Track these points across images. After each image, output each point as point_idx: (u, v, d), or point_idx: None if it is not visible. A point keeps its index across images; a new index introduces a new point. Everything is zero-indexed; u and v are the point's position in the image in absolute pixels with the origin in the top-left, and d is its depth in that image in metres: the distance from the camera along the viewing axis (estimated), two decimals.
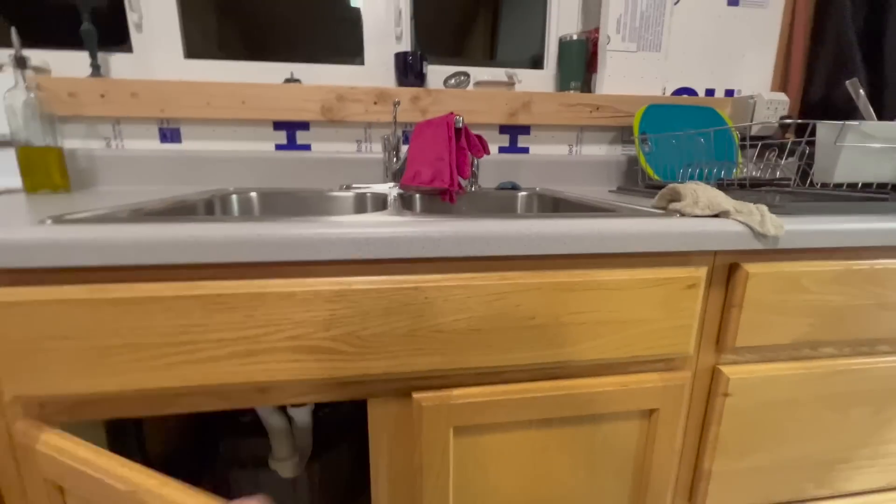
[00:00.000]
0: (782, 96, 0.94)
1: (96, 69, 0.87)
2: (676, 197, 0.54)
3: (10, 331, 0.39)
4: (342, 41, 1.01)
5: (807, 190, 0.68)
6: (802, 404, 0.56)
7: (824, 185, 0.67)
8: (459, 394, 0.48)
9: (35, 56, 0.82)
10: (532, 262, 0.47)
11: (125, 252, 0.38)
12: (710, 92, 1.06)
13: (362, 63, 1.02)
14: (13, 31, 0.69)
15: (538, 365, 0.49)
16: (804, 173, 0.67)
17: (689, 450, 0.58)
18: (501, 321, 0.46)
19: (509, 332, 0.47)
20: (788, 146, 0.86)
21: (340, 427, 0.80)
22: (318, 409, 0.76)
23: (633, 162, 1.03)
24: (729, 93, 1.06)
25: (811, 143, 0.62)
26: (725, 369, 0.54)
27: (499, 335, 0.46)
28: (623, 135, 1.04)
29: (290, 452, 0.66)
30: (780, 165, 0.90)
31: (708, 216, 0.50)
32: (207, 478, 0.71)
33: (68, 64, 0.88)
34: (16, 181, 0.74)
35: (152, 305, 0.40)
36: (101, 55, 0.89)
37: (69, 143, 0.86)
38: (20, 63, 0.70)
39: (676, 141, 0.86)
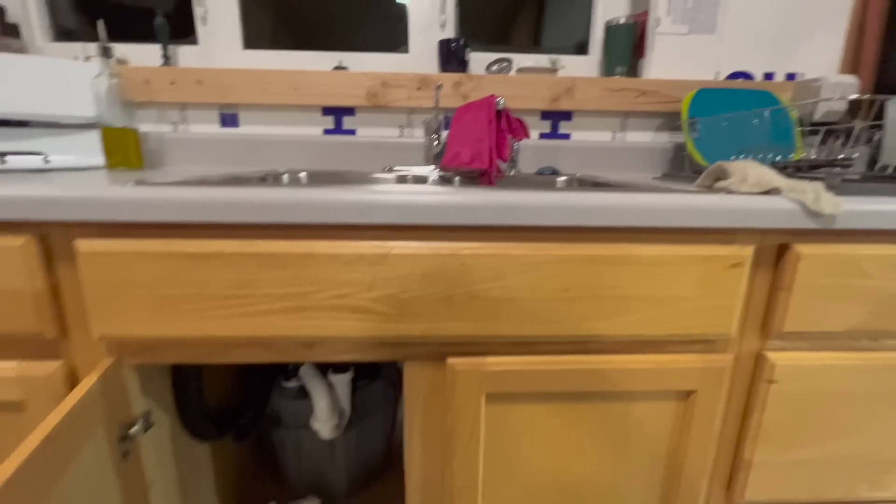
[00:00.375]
0: (851, 79, 0.88)
1: (166, 60, 0.96)
2: (723, 175, 0.52)
3: (98, 277, 0.44)
4: (388, 30, 1.05)
5: (874, 174, 0.63)
6: (857, 398, 0.53)
7: None
8: (492, 361, 0.50)
9: (115, 49, 0.91)
10: (568, 234, 0.47)
11: (196, 210, 0.43)
12: (768, 76, 1.00)
13: (407, 51, 1.05)
14: (100, 23, 0.77)
15: (571, 337, 0.49)
16: (872, 161, 0.62)
17: (729, 437, 0.56)
18: (535, 291, 0.47)
19: (543, 302, 0.47)
20: (855, 132, 0.80)
21: (374, 401, 0.83)
22: (356, 381, 0.80)
23: (679, 149, 0.99)
24: (790, 77, 1.00)
25: (880, 127, 0.58)
26: (771, 355, 0.52)
27: (532, 305, 0.47)
28: (670, 121, 1.01)
29: (331, 414, 0.70)
30: (844, 152, 0.83)
31: (756, 194, 0.48)
32: (254, 434, 0.77)
33: (143, 56, 0.97)
34: (99, 159, 0.83)
35: (216, 260, 0.44)
36: (170, 47, 0.97)
37: (143, 127, 0.95)
38: (105, 53, 0.78)
39: (728, 123, 0.83)
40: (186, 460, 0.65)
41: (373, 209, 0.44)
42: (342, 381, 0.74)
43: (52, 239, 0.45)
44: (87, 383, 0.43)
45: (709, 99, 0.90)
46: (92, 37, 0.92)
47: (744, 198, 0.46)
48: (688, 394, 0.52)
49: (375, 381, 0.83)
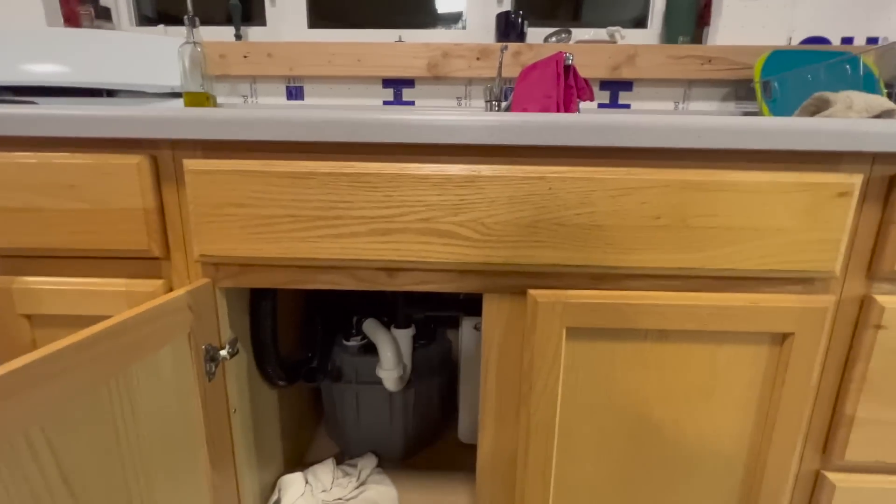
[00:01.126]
0: None
1: (238, 39, 1.01)
2: (823, 105, 0.49)
3: (202, 196, 0.47)
4: (446, 7, 1.07)
5: None
6: None
7: None
8: (575, 294, 0.49)
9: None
10: (661, 158, 0.46)
11: (295, 129, 0.45)
12: (846, 41, 0.95)
13: (464, 28, 1.06)
14: None
15: (659, 270, 0.47)
16: None
17: (828, 390, 0.52)
18: (624, 218, 0.46)
19: (631, 231, 0.46)
20: None
21: (433, 363, 0.83)
22: (415, 341, 0.80)
23: None
24: (872, 41, 0.94)
25: None
26: (880, 298, 0.48)
27: (620, 233, 0.46)
28: (738, 90, 0.97)
29: (396, 364, 0.71)
30: None
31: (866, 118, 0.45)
32: (321, 379, 0.78)
33: (216, 37, 1.03)
34: None
35: (310, 180, 0.46)
36: (241, 28, 1.03)
37: (217, 100, 1.01)
38: (192, 22, 0.83)
39: (808, 83, 0.79)
40: (258, 402, 0.67)
41: (464, 130, 0.44)
42: (405, 336, 0.75)
43: (161, 161, 0.48)
44: (177, 292, 0.45)
45: (783, 62, 0.87)
46: (170, 23, 0.99)
47: (853, 120, 0.44)
48: (783, 337, 0.49)
49: (434, 344, 0.83)
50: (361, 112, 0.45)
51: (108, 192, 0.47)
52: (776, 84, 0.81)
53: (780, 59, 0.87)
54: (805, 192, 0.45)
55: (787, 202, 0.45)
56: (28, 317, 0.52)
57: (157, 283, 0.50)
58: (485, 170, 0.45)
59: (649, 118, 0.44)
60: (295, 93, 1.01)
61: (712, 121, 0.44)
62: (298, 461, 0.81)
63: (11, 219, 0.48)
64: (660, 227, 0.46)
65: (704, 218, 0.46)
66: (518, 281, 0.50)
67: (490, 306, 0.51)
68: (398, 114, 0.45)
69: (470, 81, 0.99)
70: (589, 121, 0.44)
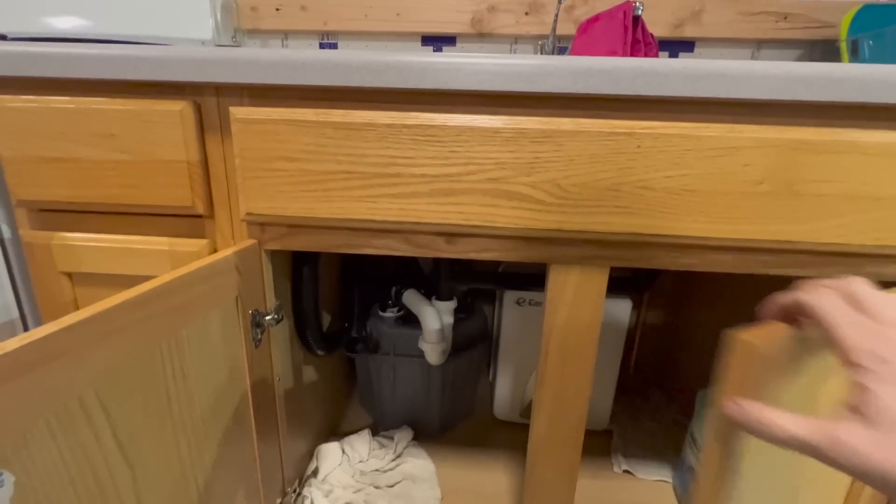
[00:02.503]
0: None
1: None
2: None
3: (250, 147, 0.43)
4: None
5: None
6: None
7: None
8: None
9: None
10: (771, 114, 0.40)
11: (352, 72, 0.40)
12: None
13: None
14: None
15: (754, 242, 0.42)
16: None
17: None
18: (722, 183, 0.40)
19: (729, 197, 0.41)
20: None
21: (472, 337, 0.80)
22: (455, 314, 0.77)
23: None
24: None
25: None
26: None
27: (715, 200, 0.41)
28: (814, 52, 0.88)
29: (441, 337, 0.68)
30: None
31: None
32: (361, 349, 0.76)
33: None
34: None
35: (368, 132, 0.41)
36: None
37: None
38: None
39: None
40: (298, 371, 0.65)
41: (546, 76, 0.39)
42: (447, 309, 0.71)
43: (205, 108, 0.44)
44: (224, 252, 0.42)
45: (875, 18, 0.77)
46: None
47: None
48: None
49: (472, 318, 0.80)
50: (428, 55, 0.40)
51: (150, 143, 0.44)
52: (871, 42, 0.72)
53: (871, 15, 0.77)
54: None
55: None
56: (69, 275, 0.49)
57: (202, 243, 0.47)
58: (565, 123, 0.40)
59: (762, 65, 0.38)
60: (329, 49, 0.95)
61: (836, 69, 0.37)
62: (333, 431, 0.80)
63: (48, 169, 0.45)
64: (761, 193, 0.40)
65: (815, 184, 0.40)
66: (589, 251, 0.45)
67: (556, 278, 0.47)
68: (470, 58, 0.39)
69: (516, 40, 0.91)
70: (692, 67, 0.38)
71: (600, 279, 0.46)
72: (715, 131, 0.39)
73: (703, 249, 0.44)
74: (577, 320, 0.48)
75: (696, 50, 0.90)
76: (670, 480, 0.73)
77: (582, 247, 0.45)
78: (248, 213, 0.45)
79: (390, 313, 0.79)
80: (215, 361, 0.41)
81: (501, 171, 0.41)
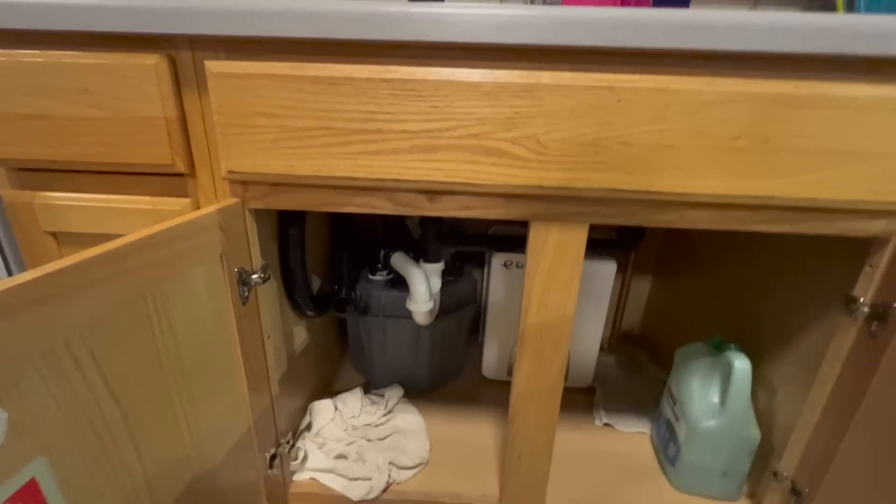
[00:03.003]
0: None
1: None
2: None
3: (228, 103, 0.42)
4: None
5: None
6: None
7: None
8: None
9: None
10: (751, 66, 0.40)
11: (329, 24, 0.39)
12: None
13: None
14: None
15: (729, 198, 0.43)
16: None
17: None
18: (699, 138, 0.41)
19: (706, 153, 0.41)
20: None
21: (460, 299, 0.82)
22: (443, 277, 0.78)
23: None
24: None
25: None
26: None
27: (693, 156, 0.41)
28: (812, 6, 0.85)
29: (428, 298, 0.69)
30: None
31: None
32: (350, 310, 0.77)
33: None
34: None
35: (346, 87, 0.41)
36: None
37: None
38: None
39: None
40: (288, 331, 0.66)
41: (523, 27, 0.38)
42: (435, 271, 0.73)
43: (180, 63, 0.43)
44: (207, 209, 0.42)
45: None
46: None
47: None
48: None
49: (460, 280, 0.82)
50: (405, 4, 0.39)
51: (126, 99, 0.43)
52: None
53: None
54: None
55: (892, 121, 0.39)
56: (53, 234, 0.50)
57: (184, 202, 0.47)
58: (545, 77, 0.40)
59: (741, 15, 0.37)
60: None
61: (816, 20, 0.37)
62: (325, 391, 0.83)
63: (24, 126, 0.44)
64: (738, 149, 0.41)
65: (792, 139, 0.40)
66: (569, 208, 0.46)
67: (537, 236, 0.47)
68: (448, 7, 0.38)
69: None
70: (671, 18, 0.37)
71: (580, 236, 0.47)
72: (694, 85, 0.39)
73: (680, 206, 0.45)
74: (556, 277, 0.49)
75: (691, 5, 0.88)
76: (648, 432, 0.77)
77: (562, 204, 0.46)
78: (230, 171, 0.45)
79: (379, 276, 0.80)
80: (202, 317, 0.42)
81: (482, 127, 0.41)
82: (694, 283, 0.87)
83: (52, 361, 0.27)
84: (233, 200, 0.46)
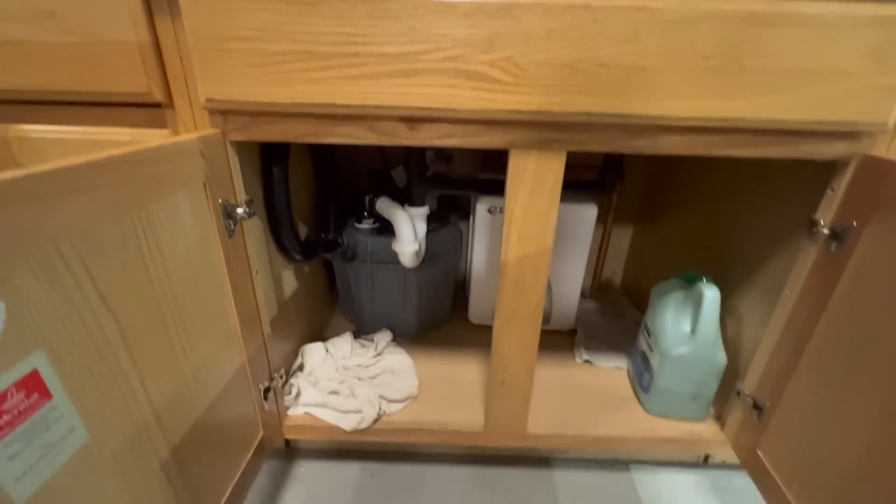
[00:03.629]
0: None
1: None
2: None
3: (199, 27, 0.41)
4: None
5: None
6: None
7: None
8: None
9: None
10: None
11: None
12: None
13: None
14: None
15: (702, 121, 0.44)
16: None
17: None
18: (672, 59, 0.42)
19: (678, 73, 0.42)
20: None
21: (445, 245, 0.83)
22: (428, 224, 0.79)
23: None
24: None
25: None
26: None
27: (665, 77, 0.42)
28: None
29: (413, 239, 0.71)
30: None
31: None
32: (338, 254, 0.79)
33: None
34: None
35: (323, 7, 0.40)
36: None
37: None
38: None
39: None
40: (278, 275, 0.68)
41: None
42: (420, 214, 0.74)
43: None
44: (187, 136, 0.42)
45: None
46: None
47: None
48: None
49: (446, 228, 0.83)
50: None
51: (95, 21, 0.42)
52: None
53: None
54: (879, 28, 0.40)
55: (855, 41, 0.41)
56: None
57: (163, 133, 0.47)
58: None
59: None
60: None
61: None
62: (317, 338, 0.85)
63: None
64: (710, 69, 0.42)
65: (760, 59, 0.41)
66: (547, 135, 0.47)
67: (516, 164, 0.49)
68: None
69: None
70: None
71: (558, 165, 0.49)
72: (668, 3, 0.40)
73: (655, 130, 0.46)
74: (535, 207, 0.51)
75: None
76: (625, 367, 0.82)
77: (540, 130, 0.47)
78: (208, 100, 0.44)
79: (366, 224, 0.81)
80: (190, 244, 0.43)
81: (460, 49, 0.42)
82: (672, 228, 0.90)
83: (43, 262, 0.28)
84: (213, 131, 0.46)
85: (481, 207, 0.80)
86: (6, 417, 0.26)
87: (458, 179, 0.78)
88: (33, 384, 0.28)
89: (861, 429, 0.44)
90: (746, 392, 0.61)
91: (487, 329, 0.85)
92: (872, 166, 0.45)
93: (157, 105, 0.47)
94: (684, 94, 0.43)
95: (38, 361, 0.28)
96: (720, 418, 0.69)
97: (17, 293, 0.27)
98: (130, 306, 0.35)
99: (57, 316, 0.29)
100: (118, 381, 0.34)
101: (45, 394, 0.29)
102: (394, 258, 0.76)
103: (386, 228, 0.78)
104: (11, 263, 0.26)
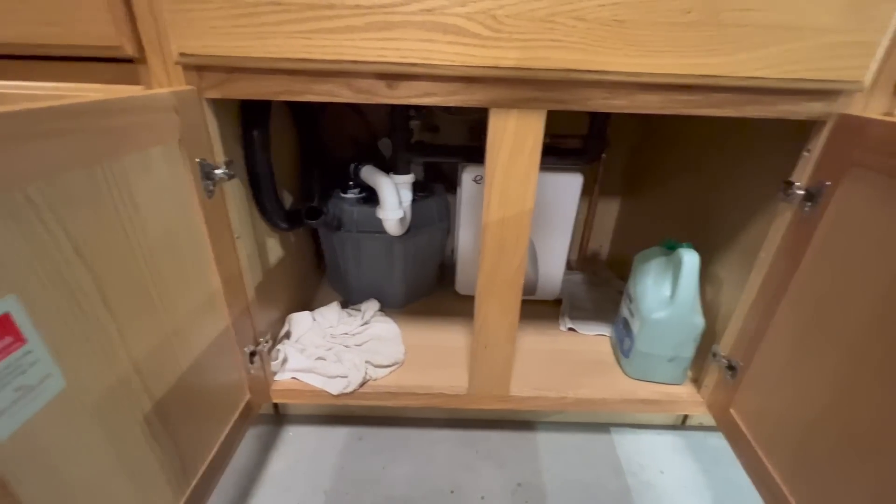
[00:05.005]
0: None
1: None
2: None
3: None
4: None
5: None
6: None
7: None
8: None
9: None
10: None
11: None
12: None
13: None
14: None
15: (681, 78, 0.44)
16: None
17: None
18: (651, 13, 0.41)
19: (658, 28, 0.42)
20: None
21: (431, 215, 0.83)
22: (414, 193, 0.79)
23: None
24: None
25: None
26: None
27: (644, 32, 0.42)
28: None
29: (397, 205, 0.71)
30: None
31: None
32: (321, 222, 0.79)
33: None
34: None
35: None
36: None
37: None
38: None
39: None
40: (262, 242, 0.68)
41: None
42: (405, 182, 0.74)
43: None
44: (160, 90, 0.42)
45: None
46: None
47: None
48: None
49: (432, 198, 0.83)
50: None
51: None
52: None
53: None
54: None
55: None
56: None
57: (137, 89, 0.46)
58: None
59: None
60: None
61: None
62: (304, 308, 0.86)
63: None
64: (689, 24, 0.42)
65: (739, 13, 0.41)
66: (527, 93, 0.47)
67: (496, 124, 0.49)
68: None
69: None
70: None
71: (537, 125, 0.49)
72: None
73: (632, 88, 0.46)
74: (515, 167, 0.51)
75: None
76: (608, 335, 0.83)
77: (520, 88, 0.46)
78: (182, 54, 0.44)
79: (351, 194, 0.81)
80: (166, 200, 0.43)
81: (436, 1, 0.41)
82: (655, 199, 0.91)
83: (12, 207, 0.28)
84: (188, 87, 0.45)
85: (467, 177, 0.80)
86: None
87: (443, 147, 0.77)
88: (6, 328, 0.28)
89: (822, 382, 0.45)
90: (722, 353, 0.63)
91: (473, 299, 0.86)
92: (847, 125, 0.46)
93: (129, 60, 0.46)
94: (663, 49, 0.43)
95: (10, 306, 0.28)
96: (697, 381, 0.71)
97: None
98: (105, 257, 0.35)
99: (28, 263, 0.29)
100: (95, 331, 0.35)
101: (19, 338, 0.29)
102: (380, 227, 0.76)
103: (371, 198, 0.78)
104: None
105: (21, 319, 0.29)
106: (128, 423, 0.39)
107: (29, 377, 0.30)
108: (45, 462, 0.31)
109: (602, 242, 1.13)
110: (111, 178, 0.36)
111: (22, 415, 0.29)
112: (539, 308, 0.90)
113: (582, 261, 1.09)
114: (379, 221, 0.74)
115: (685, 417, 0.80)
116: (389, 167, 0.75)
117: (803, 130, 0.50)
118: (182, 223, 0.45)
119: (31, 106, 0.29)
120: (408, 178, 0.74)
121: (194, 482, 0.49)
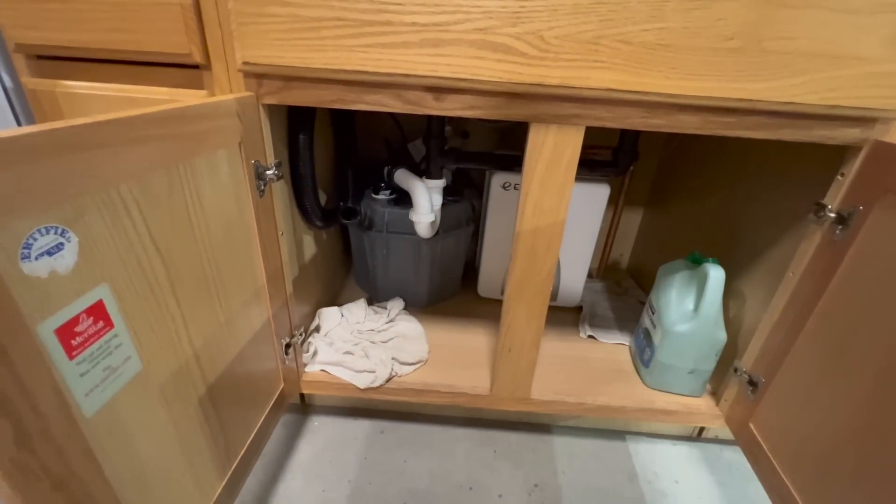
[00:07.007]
0: None
1: None
2: None
3: None
4: None
5: None
6: None
7: None
8: None
9: None
10: None
11: None
12: None
13: None
14: None
15: (719, 101, 0.46)
16: None
17: None
18: (695, 38, 0.43)
19: (700, 53, 0.43)
20: None
21: (460, 219, 0.86)
22: (444, 197, 0.81)
23: None
24: None
25: None
26: None
27: (687, 56, 0.43)
28: None
29: (429, 209, 0.73)
30: None
31: None
32: (356, 221, 0.82)
33: None
34: None
35: None
36: None
37: None
38: None
39: None
40: (299, 238, 0.71)
41: None
42: (437, 186, 0.76)
43: None
44: (225, 97, 0.45)
45: None
46: None
47: None
48: None
49: (461, 202, 0.85)
50: None
51: None
52: None
53: None
54: None
55: (877, 25, 0.41)
56: None
57: (200, 94, 0.49)
58: None
59: None
60: None
61: None
62: (332, 303, 0.89)
63: (38, 9, 0.45)
64: (731, 49, 0.43)
65: (782, 41, 0.42)
66: (568, 109, 0.48)
67: (536, 137, 0.50)
68: None
69: None
70: None
71: (576, 140, 0.50)
72: None
73: (670, 109, 0.48)
74: (551, 180, 0.53)
75: None
76: (627, 344, 0.85)
77: (561, 105, 0.48)
78: (245, 63, 0.47)
79: (383, 195, 0.83)
80: (226, 199, 0.46)
81: (488, 21, 0.43)
82: (681, 212, 0.92)
83: (107, 204, 0.31)
84: (248, 93, 0.48)
85: (496, 183, 0.82)
86: (78, 339, 0.29)
87: (476, 154, 0.79)
88: (99, 313, 0.31)
89: (850, 405, 0.46)
90: (744, 369, 0.64)
91: (495, 302, 0.88)
92: (883, 152, 0.47)
93: (195, 66, 0.49)
94: (703, 73, 0.44)
95: (104, 293, 0.31)
96: (716, 394, 0.72)
97: (88, 230, 0.30)
98: (176, 251, 0.38)
99: (118, 254, 0.32)
100: (165, 319, 0.38)
101: (109, 322, 0.32)
102: (409, 229, 0.78)
103: (402, 199, 0.81)
104: (83, 202, 0.29)
105: (111, 305, 0.32)
106: (185, 405, 0.42)
107: (114, 359, 0.33)
108: (123, 437, 0.34)
109: (624, 252, 1.14)
110: (185, 178, 0.39)
111: (107, 393, 0.32)
112: (559, 314, 0.92)
113: (603, 269, 1.10)
114: (408, 223, 0.77)
115: (701, 429, 0.81)
116: (419, 169, 0.78)
117: (838, 154, 0.51)
118: (238, 220, 0.48)
119: (125, 114, 0.32)
120: (440, 183, 0.76)
121: (234, 464, 0.52)
